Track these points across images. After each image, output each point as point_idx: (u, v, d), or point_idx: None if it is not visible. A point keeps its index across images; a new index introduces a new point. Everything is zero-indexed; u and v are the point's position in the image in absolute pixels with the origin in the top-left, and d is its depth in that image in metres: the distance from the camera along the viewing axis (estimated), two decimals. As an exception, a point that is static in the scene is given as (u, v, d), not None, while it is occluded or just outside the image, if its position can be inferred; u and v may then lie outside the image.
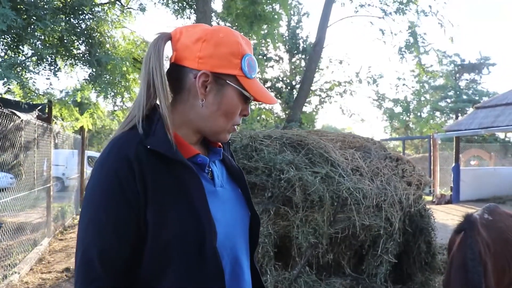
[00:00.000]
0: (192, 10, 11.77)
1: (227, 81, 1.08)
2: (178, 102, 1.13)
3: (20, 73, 6.53)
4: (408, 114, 28.00)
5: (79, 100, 11.23)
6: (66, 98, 11.19)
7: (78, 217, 10.79)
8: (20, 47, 6.89)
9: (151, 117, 1.06)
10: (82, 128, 11.60)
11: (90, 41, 8.06)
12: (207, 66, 1.06)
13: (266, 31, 11.81)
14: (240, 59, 1.08)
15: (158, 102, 1.09)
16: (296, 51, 20.05)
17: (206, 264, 0.99)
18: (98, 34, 8.39)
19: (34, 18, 6.35)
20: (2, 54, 6.85)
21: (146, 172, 0.98)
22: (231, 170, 1.26)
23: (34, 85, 7.06)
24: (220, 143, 1.24)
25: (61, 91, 12.31)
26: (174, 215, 0.99)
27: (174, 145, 1.02)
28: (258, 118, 17.75)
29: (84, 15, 7.87)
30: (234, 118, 1.13)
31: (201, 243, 0.99)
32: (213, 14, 11.55)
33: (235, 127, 1.17)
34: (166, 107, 1.06)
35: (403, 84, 29.51)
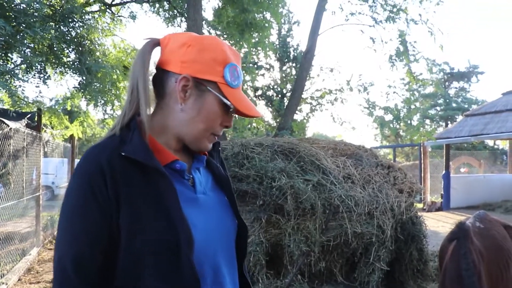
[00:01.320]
0: (183, 18, 11.80)
1: (208, 88, 1.08)
2: (160, 107, 1.12)
3: (8, 81, 6.47)
4: (399, 122, 28.19)
5: (69, 108, 11.16)
6: (56, 106, 11.10)
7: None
8: (9, 54, 6.83)
9: (129, 125, 1.06)
10: (72, 136, 11.51)
11: (80, 49, 8.01)
12: (189, 70, 1.06)
13: (257, 39, 11.84)
14: (223, 67, 1.08)
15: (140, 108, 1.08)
16: (286, 59, 20.15)
17: (181, 272, 0.98)
18: (88, 42, 8.35)
19: (24, 25, 6.30)
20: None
21: (119, 179, 0.98)
22: (218, 177, 1.24)
23: (23, 93, 6.99)
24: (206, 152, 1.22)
25: (51, 99, 12.23)
26: (147, 222, 0.98)
27: (150, 152, 1.02)
28: (249, 126, 17.76)
29: (74, 22, 7.82)
30: (213, 127, 1.12)
31: (176, 251, 0.97)
32: (204, 22, 11.56)
33: (215, 137, 1.15)
34: (146, 112, 1.06)
35: (394, 92, 29.84)
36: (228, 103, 1.08)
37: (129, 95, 1.09)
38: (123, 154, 0.99)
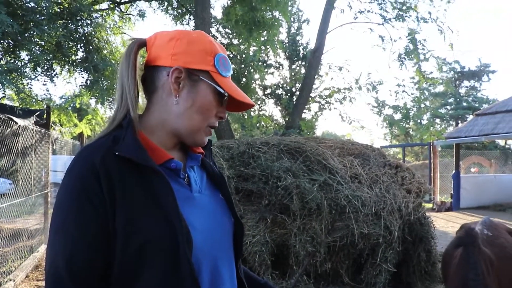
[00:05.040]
0: (191, 17, 11.79)
1: (201, 77, 1.08)
2: (152, 103, 1.12)
3: (16, 79, 6.49)
4: (408, 121, 27.97)
5: (78, 106, 11.22)
6: (65, 104, 11.16)
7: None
8: (17, 52, 6.85)
9: (122, 124, 1.05)
10: (81, 134, 11.58)
11: (88, 46, 8.03)
12: (180, 62, 1.07)
13: (265, 37, 11.80)
14: (213, 57, 1.09)
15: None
16: (296, 58, 20.09)
17: (180, 273, 0.95)
18: (96, 40, 8.36)
19: (32, 23, 6.32)
20: (-2, 59, 6.82)
21: (114, 179, 0.95)
22: (212, 176, 1.23)
23: (31, 90, 7.01)
24: (201, 149, 1.22)
25: (60, 97, 12.30)
26: (143, 222, 0.95)
27: (144, 151, 1.00)
28: (258, 125, 17.73)
29: (82, 20, 7.84)
30: (209, 117, 1.12)
31: (174, 251, 0.95)
32: (212, 20, 11.54)
33: (211, 130, 1.15)
34: (134, 111, 1.05)
35: (403, 91, 29.54)
36: (222, 90, 1.09)
37: (120, 96, 1.08)
38: (116, 153, 0.97)
